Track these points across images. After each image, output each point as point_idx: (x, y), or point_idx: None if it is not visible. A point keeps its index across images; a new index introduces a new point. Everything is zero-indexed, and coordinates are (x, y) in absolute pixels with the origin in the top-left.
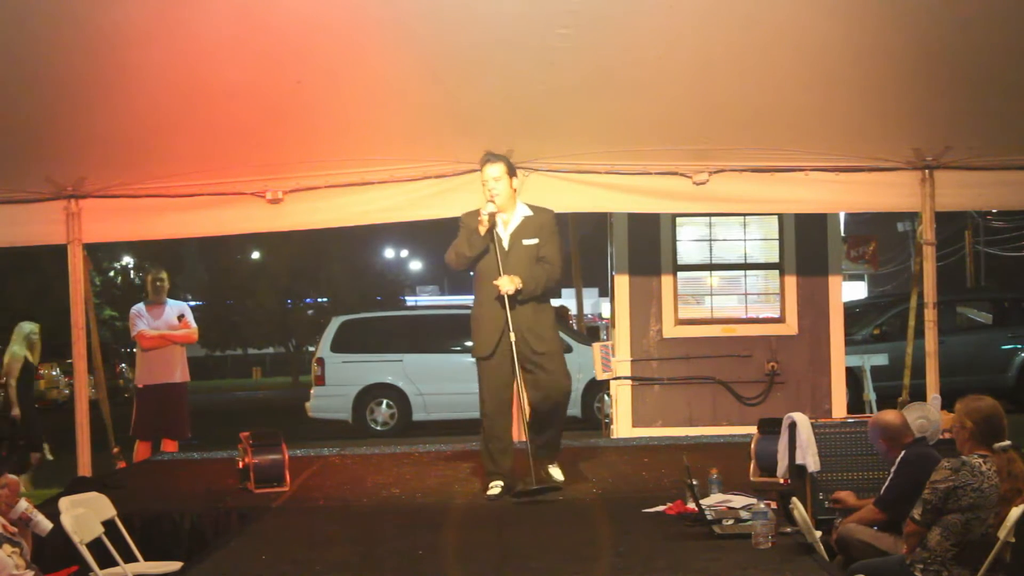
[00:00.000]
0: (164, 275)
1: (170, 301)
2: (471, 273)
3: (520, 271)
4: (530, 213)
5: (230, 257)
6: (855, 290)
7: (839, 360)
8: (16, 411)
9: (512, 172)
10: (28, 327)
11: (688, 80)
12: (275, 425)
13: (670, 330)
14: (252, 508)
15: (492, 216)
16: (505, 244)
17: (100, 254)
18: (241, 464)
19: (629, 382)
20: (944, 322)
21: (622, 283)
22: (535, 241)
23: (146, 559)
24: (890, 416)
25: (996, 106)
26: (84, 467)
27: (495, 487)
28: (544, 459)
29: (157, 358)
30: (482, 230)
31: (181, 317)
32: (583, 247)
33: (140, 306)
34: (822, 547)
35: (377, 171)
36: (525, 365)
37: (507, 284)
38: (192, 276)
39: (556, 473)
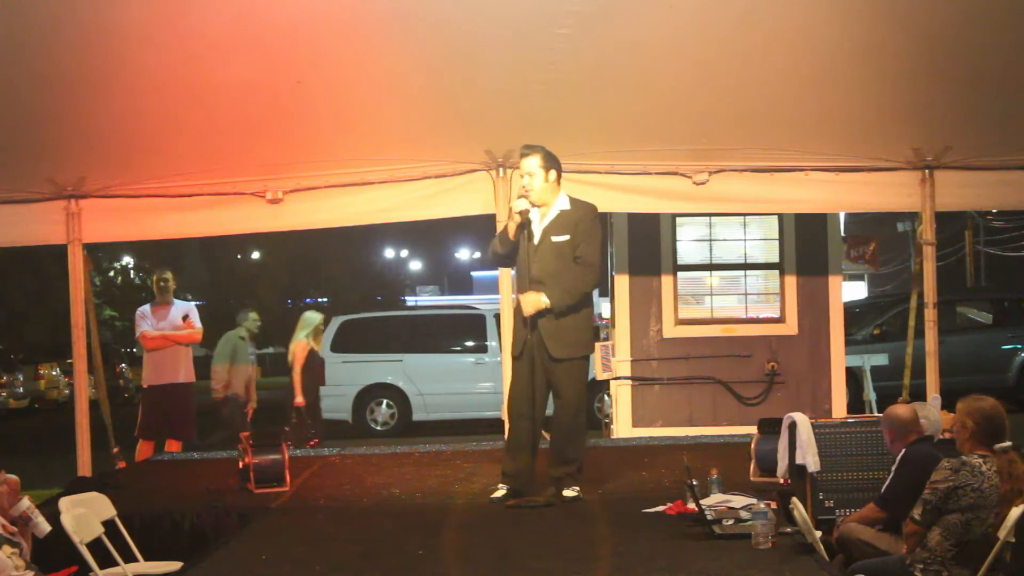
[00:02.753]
0: (169, 275)
1: (177, 302)
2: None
3: (547, 269)
4: (568, 207)
5: (230, 257)
6: (855, 290)
7: (839, 360)
8: (300, 399)
9: (550, 164)
10: (316, 317)
11: (688, 80)
12: (275, 425)
13: (670, 330)
14: (252, 508)
15: (524, 213)
16: (536, 239)
17: (100, 254)
18: (241, 464)
19: (629, 382)
20: (944, 322)
21: (622, 283)
22: (566, 238)
23: (146, 559)
24: (900, 410)
25: (996, 106)
26: (84, 467)
27: (500, 489)
28: (561, 483)
29: (161, 358)
30: (511, 227)
31: (186, 318)
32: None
33: (145, 307)
34: (822, 547)
35: (377, 171)
36: (542, 371)
37: (529, 305)
38: (192, 276)
39: (571, 494)
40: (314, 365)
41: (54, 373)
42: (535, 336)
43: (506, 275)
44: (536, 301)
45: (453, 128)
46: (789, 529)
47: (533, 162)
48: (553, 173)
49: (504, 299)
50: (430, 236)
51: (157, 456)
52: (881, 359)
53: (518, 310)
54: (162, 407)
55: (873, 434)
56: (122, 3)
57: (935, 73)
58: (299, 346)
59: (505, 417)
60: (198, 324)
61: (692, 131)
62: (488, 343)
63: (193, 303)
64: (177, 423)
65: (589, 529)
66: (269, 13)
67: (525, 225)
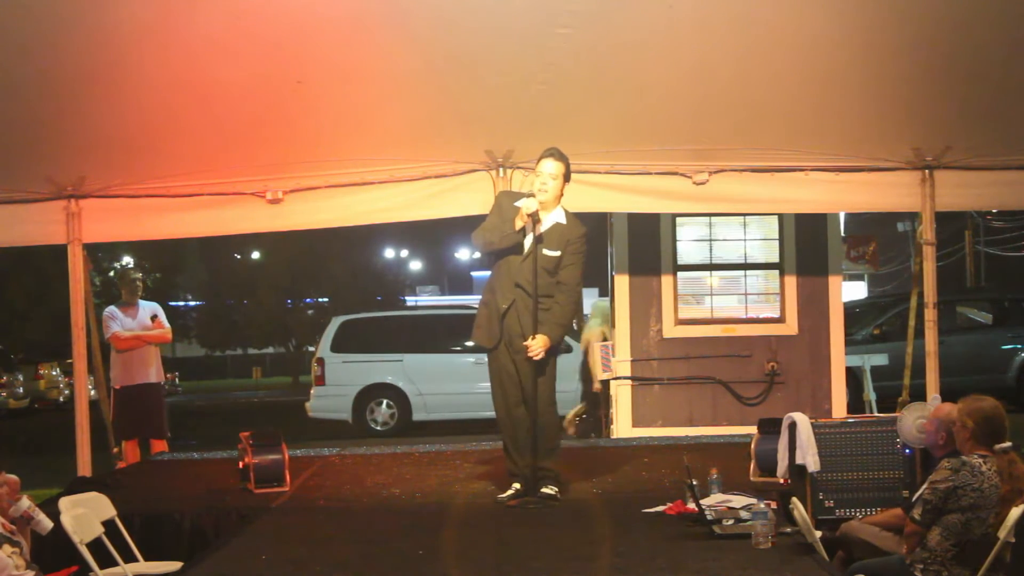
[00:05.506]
0: (139, 275)
1: (142, 302)
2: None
3: (532, 280)
4: (563, 222)
5: (230, 257)
6: (855, 290)
7: (839, 360)
8: (598, 385)
9: (567, 177)
10: (607, 304)
11: (688, 80)
12: (275, 425)
13: (670, 330)
14: (252, 508)
15: (533, 215)
16: (527, 246)
17: (100, 254)
18: (241, 464)
19: (629, 382)
20: (944, 322)
21: (622, 283)
22: (556, 254)
23: (146, 559)
24: (953, 410)
25: (996, 106)
26: (84, 467)
27: (511, 490)
28: (541, 481)
29: (133, 359)
30: (518, 224)
31: (154, 318)
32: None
33: (113, 308)
34: (822, 547)
35: (377, 171)
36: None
37: (538, 348)
38: (192, 276)
39: (548, 491)
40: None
41: (54, 373)
42: (512, 336)
43: None
44: (546, 344)
45: (453, 128)
46: (789, 529)
47: (558, 169)
48: (566, 186)
49: None
50: (430, 236)
51: (157, 456)
52: (881, 359)
53: (495, 303)
54: (136, 407)
55: (873, 434)
56: (123, 3)
57: (935, 73)
58: (593, 334)
59: (498, 412)
60: (167, 324)
61: (692, 131)
62: None
63: (189, 303)
64: (154, 423)
65: (589, 529)
66: (269, 13)
67: (527, 227)
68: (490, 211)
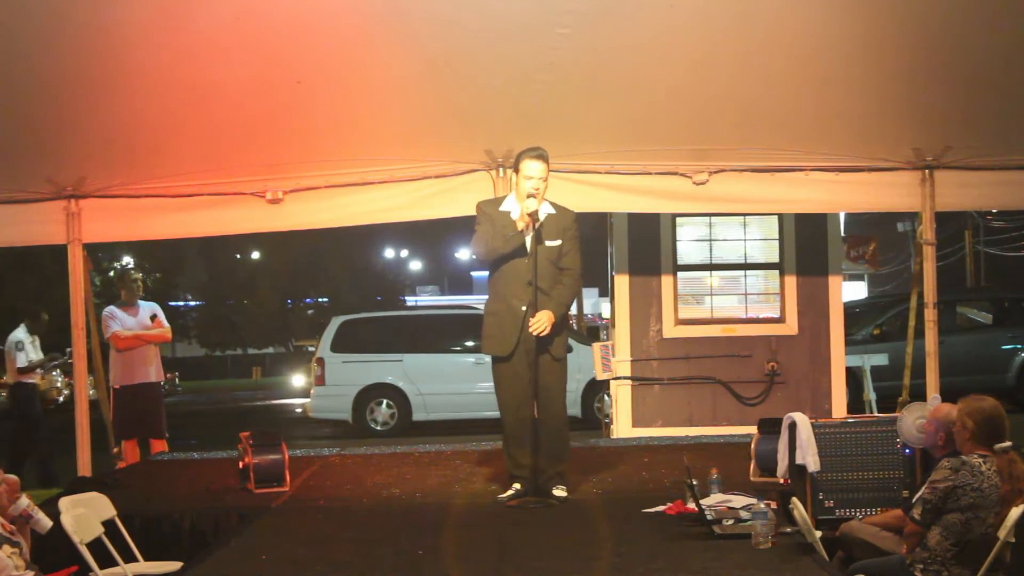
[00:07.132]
0: (139, 276)
1: (142, 302)
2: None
3: (543, 275)
4: (553, 212)
5: (230, 257)
6: (855, 290)
7: (839, 360)
8: None
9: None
10: None
11: (688, 80)
12: (275, 425)
13: (670, 330)
14: (252, 508)
15: (534, 214)
16: (529, 243)
17: (100, 254)
18: (241, 464)
19: (629, 382)
20: (944, 322)
21: (622, 283)
22: (557, 243)
23: (146, 559)
24: (953, 410)
25: (996, 106)
26: (84, 467)
27: (511, 490)
28: (551, 482)
29: (133, 358)
30: (520, 226)
31: (154, 317)
32: (583, 247)
33: (113, 308)
34: (822, 547)
35: (377, 171)
36: (534, 369)
37: (548, 323)
38: (192, 276)
39: (561, 493)
40: None
41: (54, 373)
42: (531, 337)
43: None
44: (551, 318)
45: (453, 128)
46: (789, 529)
47: (546, 170)
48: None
49: None
50: (430, 236)
51: (157, 456)
52: (881, 359)
53: (504, 310)
54: (137, 406)
55: (873, 434)
56: (122, 3)
57: (935, 73)
58: None
59: (505, 416)
60: (166, 323)
61: (692, 131)
62: None
63: (188, 303)
64: (153, 423)
65: (589, 529)
66: (269, 13)
67: (529, 227)
68: (479, 222)
